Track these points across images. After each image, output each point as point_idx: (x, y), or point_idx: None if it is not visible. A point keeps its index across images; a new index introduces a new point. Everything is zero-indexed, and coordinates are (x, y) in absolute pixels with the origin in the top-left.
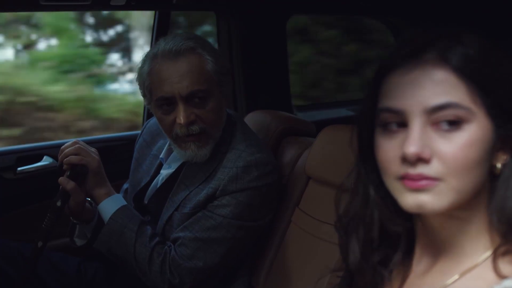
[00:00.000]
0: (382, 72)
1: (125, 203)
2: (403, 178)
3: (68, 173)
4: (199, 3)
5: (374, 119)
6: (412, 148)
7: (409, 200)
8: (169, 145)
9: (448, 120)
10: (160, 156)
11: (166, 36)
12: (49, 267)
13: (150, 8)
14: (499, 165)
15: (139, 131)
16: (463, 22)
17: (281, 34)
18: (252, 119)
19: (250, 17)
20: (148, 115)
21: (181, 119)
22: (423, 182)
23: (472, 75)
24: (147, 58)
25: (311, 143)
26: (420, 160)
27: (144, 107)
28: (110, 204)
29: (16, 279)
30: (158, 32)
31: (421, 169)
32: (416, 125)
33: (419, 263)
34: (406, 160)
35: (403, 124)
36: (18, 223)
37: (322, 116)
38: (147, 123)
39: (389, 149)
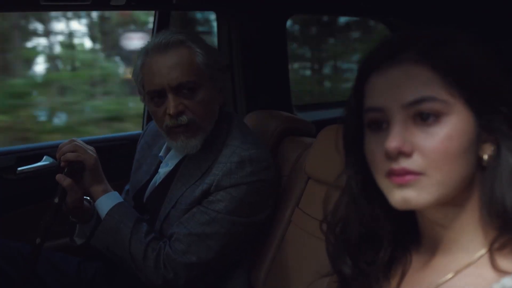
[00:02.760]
0: (365, 73)
1: (121, 200)
2: (390, 174)
3: (65, 170)
4: (199, 3)
5: (360, 120)
6: (392, 143)
7: (396, 196)
8: (167, 144)
9: (425, 113)
10: (160, 154)
11: (158, 32)
12: (49, 267)
13: (150, 8)
14: (485, 157)
15: (139, 131)
16: (463, 22)
17: (281, 34)
18: (252, 119)
19: (250, 17)
20: (148, 116)
21: (170, 109)
22: (408, 177)
23: (450, 72)
24: (140, 54)
25: (311, 143)
26: (401, 154)
27: (144, 109)
28: (107, 201)
29: (16, 279)
30: (158, 32)
31: (404, 163)
32: (397, 121)
33: (418, 259)
34: (389, 155)
35: (388, 122)
36: (18, 223)
37: (322, 116)
38: (149, 125)
39: (375, 147)
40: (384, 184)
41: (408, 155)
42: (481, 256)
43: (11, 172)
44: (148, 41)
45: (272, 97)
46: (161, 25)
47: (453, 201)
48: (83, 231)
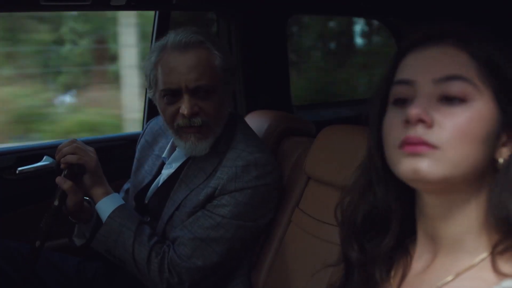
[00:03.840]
0: (402, 52)
1: (123, 202)
2: (403, 143)
3: (65, 173)
4: (199, 3)
5: (387, 99)
6: (415, 110)
7: (406, 165)
8: (171, 144)
9: (452, 95)
10: (163, 156)
11: (176, 29)
12: (49, 267)
13: (150, 8)
14: (501, 160)
15: (139, 131)
16: (464, 22)
17: (281, 34)
18: (252, 119)
19: (250, 17)
20: (148, 115)
21: (185, 110)
22: (421, 148)
23: (486, 63)
24: (156, 49)
25: (311, 143)
26: (421, 121)
27: (144, 108)
28: (108, 203)
29: (16, 279)
30: (158, 32)
31: (421, 133)
32: (423, 93)
33: (419, 261)
34: (408, 123)
35: (414, 99)
36: (18, 223)
37: (322, 116)
38: (149, 124)
39: (395, 117)
40: (394, 155)
41: (428, 125)
42: (483, 259)
43: (11, 172)
44: (165, 38)
45: (272, 97)
46: (161, 25)
47: (460, 195)
48: (82, 231)
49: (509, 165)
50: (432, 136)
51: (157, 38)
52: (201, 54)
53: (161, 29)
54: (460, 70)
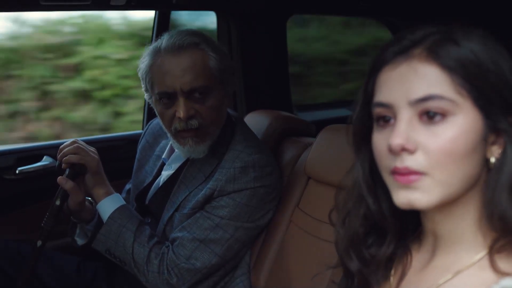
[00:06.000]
0: (376, 68)
1: (124, 202)
2: (393, 173)
3: (67, 173)
4: (199, 3)
5: (369, 114)
6: (396, 140)
7: (401, 197)
8: (171, 145)
9: (432, 112)
10: (163, 157)
11: (170, 31)
12: (49, 267)
13: (150, 8)
14: (492, 159)
15: (140, 131)
16: (463, 22)
17: (281, 34)
18: (252, 119)
19: (250, 17)
20: (148, 116)
21: (181, 113)
22: (412, 177)
23: (458, 71)
24: (150, 52)
25: (311, 143)
26: (404, 150)
27: (144, 108)
28: (109, 204)
29: (16, 279)
30: (158, 32)
31: (407, 162)
32: (403, 117)
33: (418, 258)
34: (392, 152)
35: (395, 118)
36: (18, 223)
37: (322, 116)
38: (150, 124)
39: (381, 142)
40: (389, 181)
41: (411, 152)
42: (482, 258)
43: (11, 172)
44: (159, 40)
45: (272, 97)
46: (161, 25)
47: (458, 200)
48: (84, 231)
49: (501, 165)
50: (417, 162)
51: (157, 38)
52: (196, 56)
53: (161, 29)
54: (434, 89)
